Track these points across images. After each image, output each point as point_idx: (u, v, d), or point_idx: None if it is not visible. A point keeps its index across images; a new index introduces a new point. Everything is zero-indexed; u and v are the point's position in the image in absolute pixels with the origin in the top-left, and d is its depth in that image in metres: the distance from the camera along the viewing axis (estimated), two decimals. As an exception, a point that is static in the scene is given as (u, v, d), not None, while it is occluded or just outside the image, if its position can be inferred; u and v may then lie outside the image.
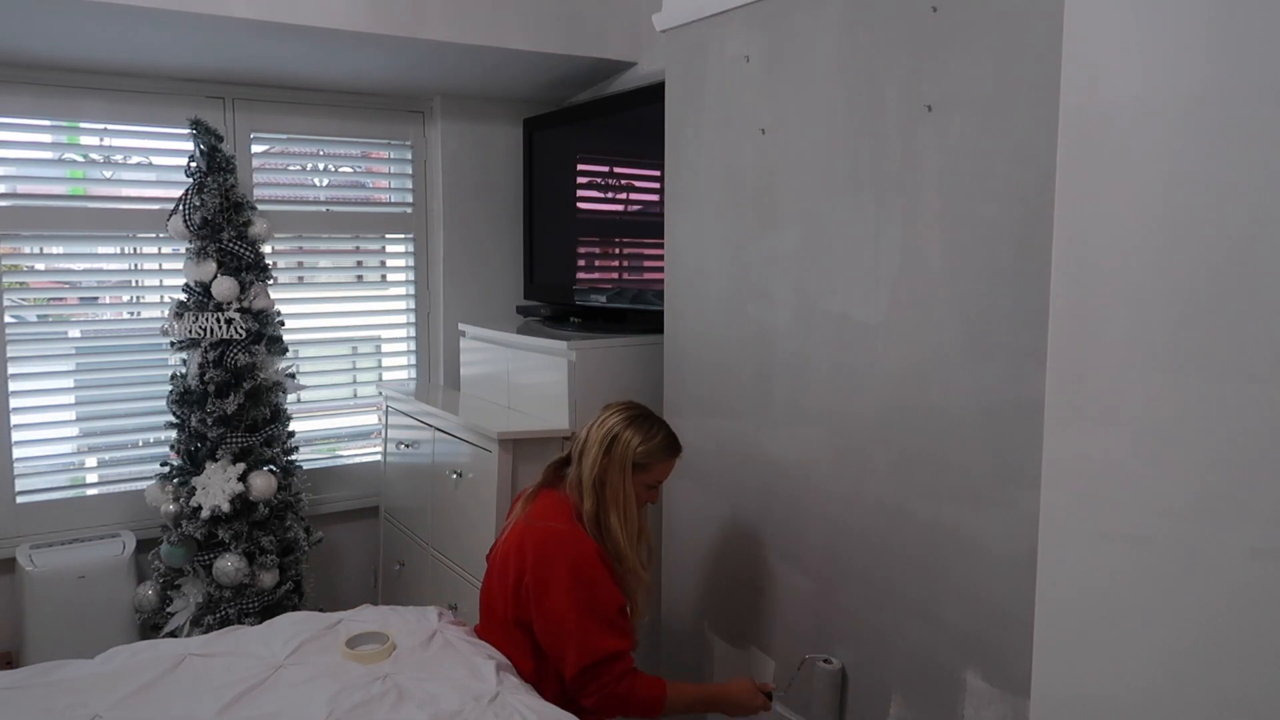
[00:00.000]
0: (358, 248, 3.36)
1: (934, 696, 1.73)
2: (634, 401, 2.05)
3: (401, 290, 3.42)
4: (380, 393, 3.30)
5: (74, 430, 2.97)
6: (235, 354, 2.72)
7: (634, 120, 2.76)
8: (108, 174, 3.00)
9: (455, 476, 2.70)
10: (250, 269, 2.79)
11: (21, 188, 2.85)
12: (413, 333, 3.42)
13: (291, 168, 3.23)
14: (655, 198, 2.68)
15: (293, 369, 2.98)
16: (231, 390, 2.73)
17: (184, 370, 2.79)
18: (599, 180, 3.08)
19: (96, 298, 3.03)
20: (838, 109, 1.87)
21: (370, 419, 3.40)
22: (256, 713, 1.73)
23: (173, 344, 2.80)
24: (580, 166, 3.08)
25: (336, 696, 1.75)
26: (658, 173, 2.48)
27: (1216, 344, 1.14)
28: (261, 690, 1.80)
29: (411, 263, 3.39)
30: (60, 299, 3.00)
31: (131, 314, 3.03)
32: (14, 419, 2.83)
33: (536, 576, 1.88)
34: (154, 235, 2.99)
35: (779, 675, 2.08)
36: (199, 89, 2.98)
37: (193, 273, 2.75)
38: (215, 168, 2.74)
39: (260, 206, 2.96)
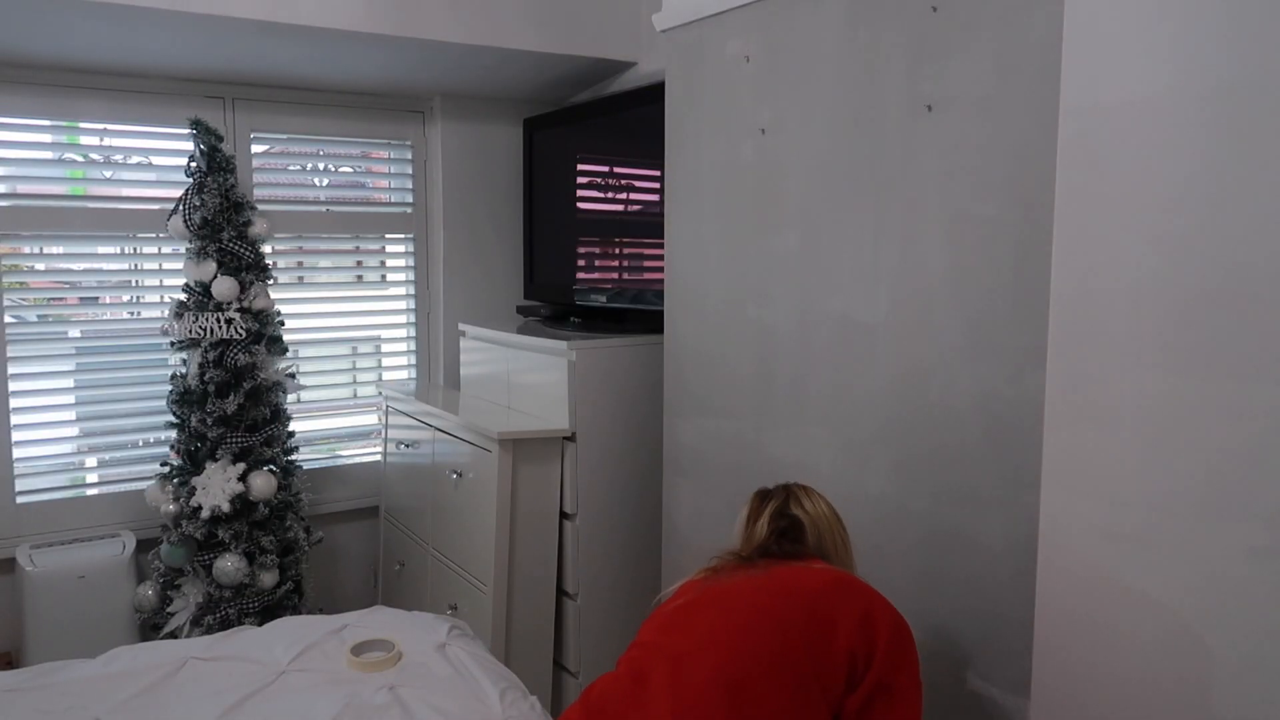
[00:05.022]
0: (358, 248, 3.36)
1: (934, 696, 1.73)
2: (763, 488, 1.73)
3: (401, 290, 3.43)
4: (380, 393, 3.30)
5: (74, 430, 2.97)
6: (235, 354, 2.72)
7: (634, 120, 2.76)
8: (108, 174, 3.00)
9: (455, 476, 2.70)
10: (250, 269, 2.79)
11: (21, 188, 2.85)
12: (413, 333, 3.42)
13: (291, 168, 3.23)
14: (655, 198, 2.68)
15: (293, 369, 2.98)
16: (231, 390, 2.73)
17: (184, 370, 2.79)
18: (599, 180, 3.08)
19: (96, 298, 3.03)
20: (838, 109, 1.87)
21: (370, 419, 3.40)
22: (258, 719, 1.72)
23: (173, 344, 2.80)
24: (580, 166, 3.08)
25: (339, 706, 1.74)
26: (658, 173, 2.48)
27: (1216, 344, 1.14)
28: (263, 696, 1.79)
29: (411, 263, 3.39)
30: (60, 299, 3.00)
31: (131, 314, 3.03)
32: (14, 419, 2.83)
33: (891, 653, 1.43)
34: (154, 235, 2.99)
35: None
36: (199, 89, 2.98)
37: (193, 273, 2.75)
38: (215, 168, 2.74)
39: (260, 206, 2.96)
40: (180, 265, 2.90)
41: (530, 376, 2.73)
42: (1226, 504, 1.14)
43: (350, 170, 3.41)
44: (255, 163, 3.10)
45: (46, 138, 2.90)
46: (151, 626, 2.81)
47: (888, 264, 1.77)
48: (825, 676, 1.36)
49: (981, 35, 1.58)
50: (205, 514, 2.67)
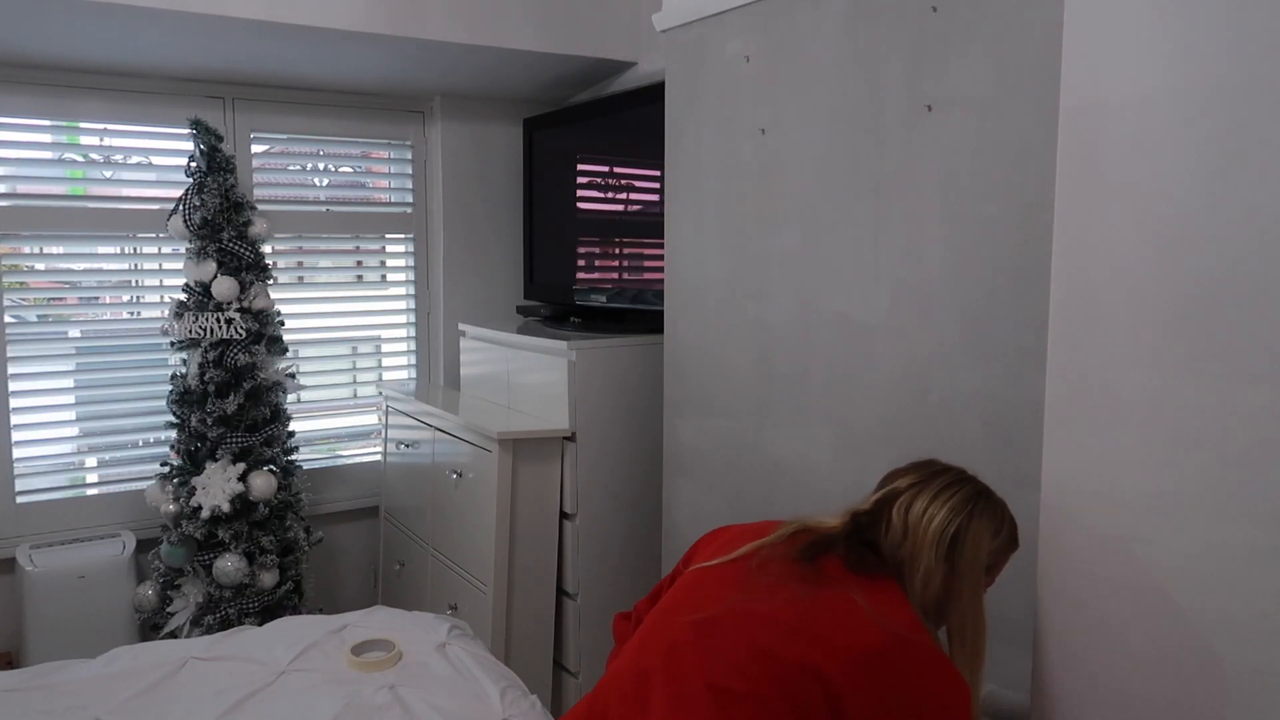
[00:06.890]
0: (358, 248, 3.36)
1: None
2: (934, 462, 1.43)
3: (401, 290, 3.43)
4: (380, 393, 3.30)
5: (74, 430, 2.97)
6: (235, 354, 2.72)
7: (634, 120, 2.76)
8: (108, 174, 3.00)
9: (455, 476, 2.70)
10: (250, 269, 2.79)
11: (21, 188, 2.85)
12: (413, 333, 3.42)
13: (291, 168, 3.23)
14: (655, 198, 2.68)
15: (293, 369, 2.98)
16: (231, 390, 2.73)
17: (184, 370, 2.79)
18: (599, 180, 3.08)
19: (96, 298, 3.03)
20: (838, 109, 1.87)
21: (370, 419, 3.40)
22: (258, 719, 1.72)
23: (173, 344, 2.80)
24: (580, 166, 3.08)
25: (339, 706, 1.74)
26: (658, 173, 2.48)
27: (1216, 344, 1.14)
28: (264, 696, 1.79)
29: (411, 263, 3.39)
30: (60, 299, 3.00)
31: (131, 314, 3.03)
32: (14, 419, 2.83)
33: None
34: (154, 235, 2.99)
35: None
36: (199, 89, 2.98)
37: (193, 273, 2.75)
38: (215, 168, 2.74)
39: (260, 206, 2.96)
40: (180, 265, 2.90)
41: (530, 376, 2.73)
42: (1226, 504, 1.14)
43: (350, 170, 3.41)
44: (255, 163, 3.10)
45: (46, 138, 2.90)
46: (151, 626, 2.81)
47: (887, 263, 1.77)
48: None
49: (981, 35, 1.58)
50: (205, 514, 2.67)
